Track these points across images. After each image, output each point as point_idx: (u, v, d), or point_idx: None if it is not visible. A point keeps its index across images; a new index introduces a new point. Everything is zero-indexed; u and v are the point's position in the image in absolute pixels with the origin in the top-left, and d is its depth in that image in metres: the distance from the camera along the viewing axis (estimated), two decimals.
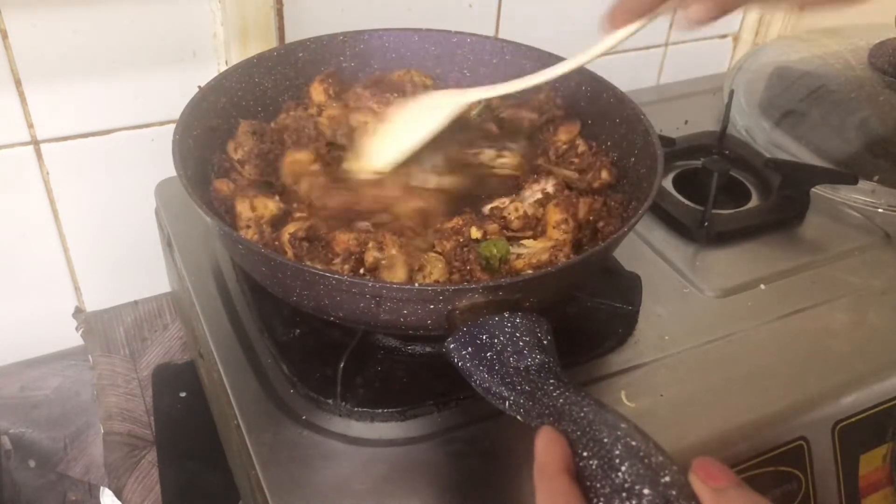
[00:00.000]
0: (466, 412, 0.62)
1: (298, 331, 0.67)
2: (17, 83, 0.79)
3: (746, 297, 0.76)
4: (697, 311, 0.74)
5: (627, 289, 0.72)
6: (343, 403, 0.61)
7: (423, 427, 0.61)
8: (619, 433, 0.41)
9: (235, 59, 0.84)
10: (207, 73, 0.87)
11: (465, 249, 0.62)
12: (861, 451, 0.68)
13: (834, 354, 0.70)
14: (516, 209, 0.67)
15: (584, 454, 0.41)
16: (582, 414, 0.43)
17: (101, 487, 0.79)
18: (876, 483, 0.70)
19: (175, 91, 0.78)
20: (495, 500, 0.57)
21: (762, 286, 0.77)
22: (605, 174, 0.72)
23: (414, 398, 0.62)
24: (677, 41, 1.22)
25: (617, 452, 0.40)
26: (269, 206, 0.66)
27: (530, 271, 0.62)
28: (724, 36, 1.27)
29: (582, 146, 0.76)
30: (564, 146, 0.77)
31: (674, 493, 0.38)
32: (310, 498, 0.55)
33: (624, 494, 0.38)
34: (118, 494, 0.77)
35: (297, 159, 0.69)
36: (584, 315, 0.71)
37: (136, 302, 0.96)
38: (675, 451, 0.60)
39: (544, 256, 0.62)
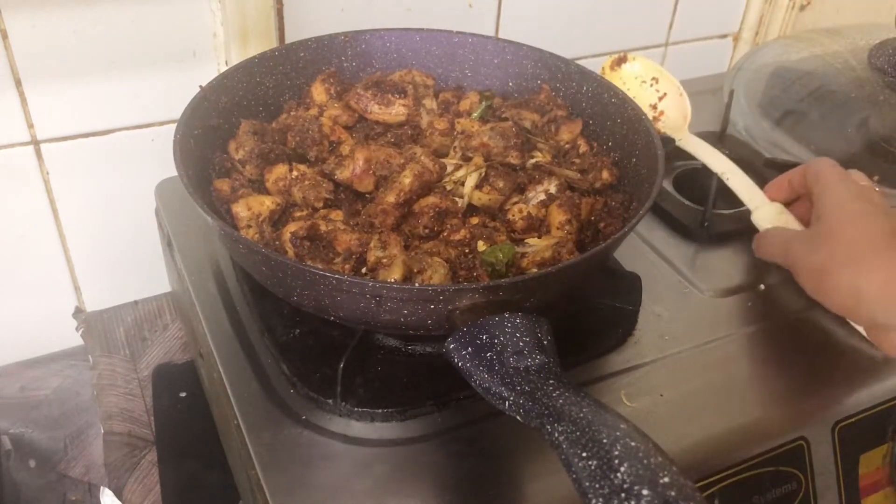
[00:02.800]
0: (466, 412, 0.62)
1: (298, 331, 0.67)
2: (17, 83, 0.79)
3: (746, 297, 0.76)
4: (697, 311, 0.74)
5: (627, 289, 0.72)
6: (343, 403, 0.61)
7: (423, 427, 0.61)
8: (618, 434, 0.41)
9: (235, 59, 0.84)
10: (207, 73, 0.87)
11: (470, 256, 0.62)
12: (861, 451, 0.68)
13: (834, 354, 0.70)
14: (520, 211, 0.68)
15: (584, 454, 0.41)
16: (581, 414, 0.43)
17: (101, 487, 0.79)
18: (876, 483, 0.70)
19: (175, 91, 0.78)
20: (495, 500, 0.57)
21: (762, 286, 0.77)
22: (605, 174, 0.72)
23: (414, 398, 0.62)
24: (677, 41, 1.22)
25: (616, 453, 0.40)
26: (266, 203, 0.66)
27: (535, 269, 0.62)
28: (724, 36, 1.27)
29: (583, 146, 0.76)
30: (566, 146, 0.77)
31: (672, 493, 0.38)
32: (310, 498, 0.55)
33: (623, 495, 0.38)
34: (118, 494, 0.77)
35: (278, 175, 0.69)
36: (584, 315, 0.71)
37: (136, 302, 0.96)
38: (675, 452, 0.61)
39: (548, 254, 0.62)
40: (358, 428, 0.60)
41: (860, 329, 0.70)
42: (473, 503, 0.56)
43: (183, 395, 0.86)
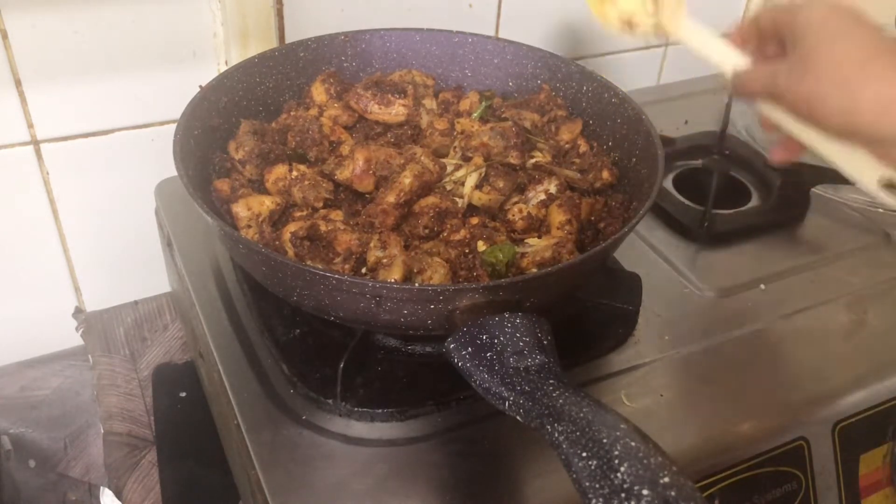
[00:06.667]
0: (466, 412, 0.62)
1: (298, 331, 0.67)
2: (17, 83, 0.79)
3: (746, 297, 0.76)
4: (697, 311, 0.74)
5: (627, 289, 0.72)
6: (343, 403, 0.61)
7: (423, 427, 0.61)
8: (618, 433, 0.41)
9: (235, 59, 0.84)
10: (207, 73, 0.87)
11: (470, 256, 0.62)
12: (861, 451, 0.68)
13: (834, 354, 0.70)
14: (520, 211, 0.68)
15: (584, 454, 0.41)
16: (581, 414, 0.43)
17: (101, 487, 0.79)
18: (876, 483, 0.70)
19: (175, 91, 0.78)
20: (495, 500, 0.57)
21: (762, 286, 0.77)
22: (605, 174, 0.72)
23: (414, 398, 0.62)
24: (677, 41, 1.21)
25: (616, 453, 0.40)
26: (266, 202, 0.67)
27: (535, 269, 0.62)
28: (724, 36, 1.27)
29: (583, 146, 0.76)
30: (566, 145, 0.77)
31: (672, 493, 0.38)
32: (310, 498, 0.55)
33: (623, 495, 0.38)
34: (118, 494, 0.77)
35: (278, 175, 0.69)
36: (584, 315, 0.71)
37: (136, 302, 0.96)
38: (675, 452, 0.60)
39: (548, 254, 0.62)
40: (358, 428, 0.60)
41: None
42: (473, 503, 0.56)
43: (183, 395, 0.86)
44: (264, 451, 0.58)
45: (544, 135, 0.77)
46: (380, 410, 0.61)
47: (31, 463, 0.83)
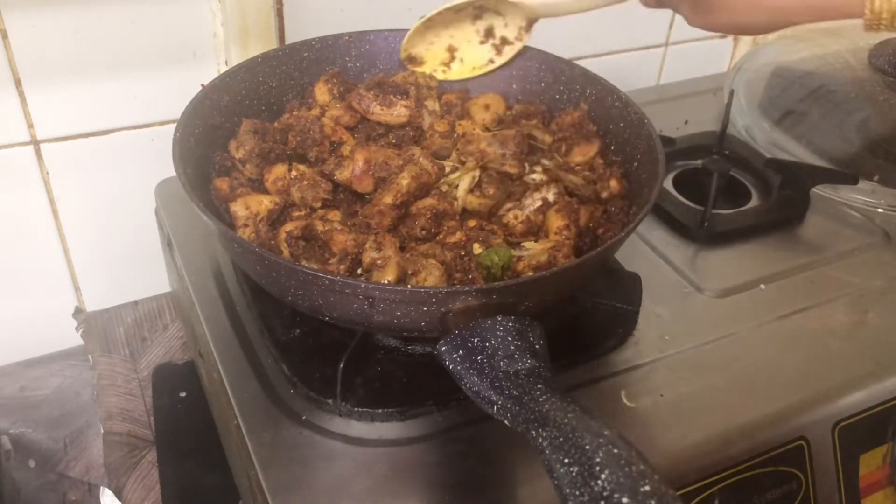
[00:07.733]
0: (466, 412, 0.62)
1: (298, 331, 0.67)
2: (17, 83, 0.79)
3: (746, 297, 0.76)
4: (697, 311, 0.74)
5: (627, 289, 0.72)
6: (343, 403, 0.61)
7: (423, 427, 0.61)
8: (601, 440, 0.41)
9: (235, 59, 0.84)
10: (207, 73, 0.87)
11: (466, 259, 0.62)
12: (861, 451, 0.68)
13: (834, 354, 0.70)
14: (515, 217, 0.67)
15: (566, 460, 0.40)
16: (566, 420, 0.43)
17: (101, 487, 0.79)
18: (876, 483, 0.69)
19: (175, 91, 0.78)
20: (495, 500, 0.57)
21: (762, 286, 0.77)
22: (614, 183, 0.71)
23: (414, 398, 0.62)
24: (677, 41, 1.21)
25: (598, 459, 0.39)
26: (264, 202, 0.66)
27: (530, 273, 0.61)
28: (724, 36, 1.27)
29: (599, 166, 0.75)
30: (577, 168, 0.75)
31: (653, 502, 0.38)
32: (310, 498, 0.55)
33: (602, 503, 0.38)
34: (118, 494, 0.77)
35: (277, 175, 0.69)
36: (584, 315, 0.71)
37: (136, 302, 0.96)
38: (675, 452, 0.61)
39: (544, 258, 0.62)
40: (358, 428, 0.60)
41: None
42: (473, 503, 0.56)
43: (183, 395, 0.86)
44: (264, 451, 0.58)
45: (552, 153, 0.76)
46: (380, 410, 0.61)
47: (31, 463, 0.83)
